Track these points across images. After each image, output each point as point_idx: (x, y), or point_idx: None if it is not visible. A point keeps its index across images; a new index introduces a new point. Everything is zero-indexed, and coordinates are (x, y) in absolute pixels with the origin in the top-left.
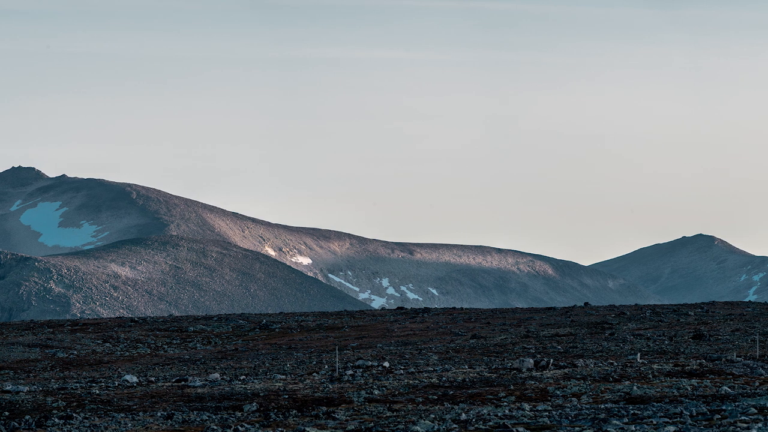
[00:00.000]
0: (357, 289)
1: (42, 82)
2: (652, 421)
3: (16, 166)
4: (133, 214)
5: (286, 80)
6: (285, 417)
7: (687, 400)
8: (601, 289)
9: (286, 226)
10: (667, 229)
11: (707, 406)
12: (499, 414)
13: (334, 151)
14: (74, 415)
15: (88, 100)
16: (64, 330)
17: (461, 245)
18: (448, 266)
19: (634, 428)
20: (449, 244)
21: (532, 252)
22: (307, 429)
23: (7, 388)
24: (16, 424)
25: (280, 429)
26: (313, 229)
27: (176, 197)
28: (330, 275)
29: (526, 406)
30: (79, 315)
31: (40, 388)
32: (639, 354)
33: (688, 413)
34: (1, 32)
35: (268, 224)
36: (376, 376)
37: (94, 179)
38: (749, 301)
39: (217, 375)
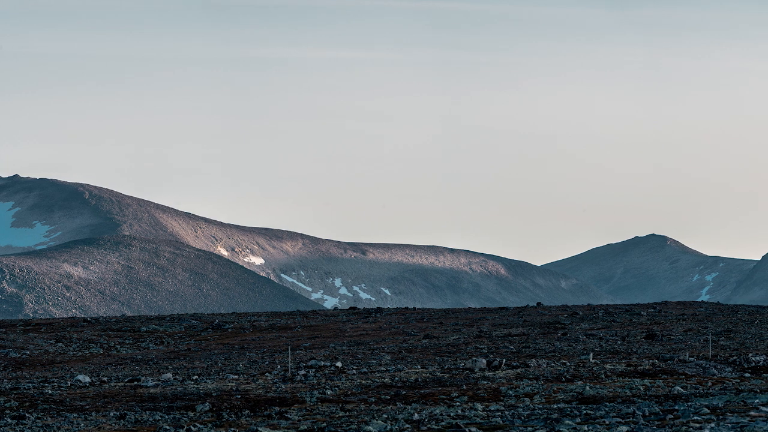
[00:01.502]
0: (309, 289)
1: None
2: (604, 421)
3: None
4: (86, 214)
5: (238, 80)
6: (237, 417)
7: (639, 400)
8: (553, 289)
9: (239, 226)
10: (620, 229)
11: (660, 406)
12: (452, 414)
13: (286, 151)
14: (27, 415)
15: (41, 100)
16: (16, 330)
17: (414, 245)
18: (400, 266)
19: (586, 428)
20: (402, 244)
21: (484, 252)
22: (260, 429)
23: None
24: None
25: (232, 429)
26: (266, 229)
27: (129, 197)
28: (282, 275)
29: (479, 406)
30: (31, 315)
31: None
32: (591, 354)
33: (641, 413)
34: None
35: (220, 224)
36: (328, 376)
37: (47, 179)
38: (702, 301)
39: (169, 375)
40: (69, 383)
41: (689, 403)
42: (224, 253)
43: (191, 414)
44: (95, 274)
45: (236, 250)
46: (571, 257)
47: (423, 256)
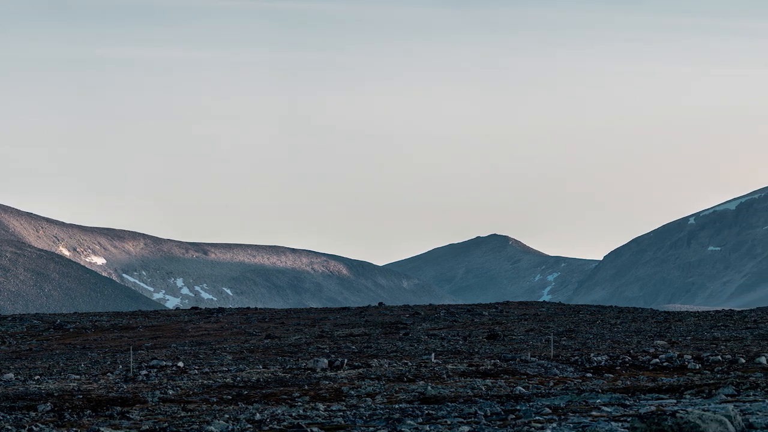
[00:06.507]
0: (151, 289)
1: None
2: (446, 421)
3: None
4: None
5: (80, 80)
6: (79, 417)
7: (481, 400)
8: (395, 289)
9: (81, 226)
10: (462, 229)
11: (502, 406)
12: (294, 414)
13: (128, 151)
14: None
15: None
16: None
17: (256, 245)
18: (242, 266)
19: (428, 428)
20: (244, 244)
21: (326, 252)
22: (101, 429)
23: None
24: None
25: (74, 429)
26: (108, 229)
27: None
28: (124, 275)
29: (321, 406)
30: None
31: None
32: (433, 354)
33: (483, 413)
34: None
35: (62, 224)
36: (170, 376)
37: None
38: (543, 301)
39: (11, 375)
40: None
41: (531, 403)
42: (66, 253)
43: (33, 414)
44: None
45: (78, 250)
46: (412, 257)
47: (265, 256)
